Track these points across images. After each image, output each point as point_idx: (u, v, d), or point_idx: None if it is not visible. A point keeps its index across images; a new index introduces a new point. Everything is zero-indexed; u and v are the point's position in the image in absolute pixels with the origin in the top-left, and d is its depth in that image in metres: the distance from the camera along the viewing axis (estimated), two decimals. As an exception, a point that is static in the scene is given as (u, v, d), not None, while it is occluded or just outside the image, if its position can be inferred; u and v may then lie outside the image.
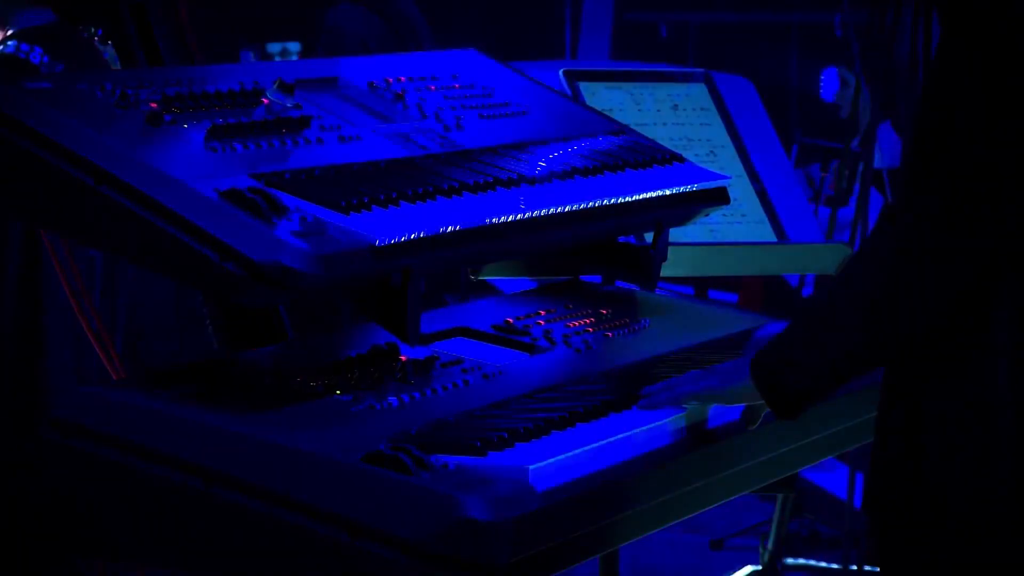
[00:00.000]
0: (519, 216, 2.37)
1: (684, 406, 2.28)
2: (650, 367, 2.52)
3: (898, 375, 2.13)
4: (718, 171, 2.84)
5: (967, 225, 1.99)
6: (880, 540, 2.15)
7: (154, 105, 2.30)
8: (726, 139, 3.51)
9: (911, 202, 2.03)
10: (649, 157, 2.72)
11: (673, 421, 2.27)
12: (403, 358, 2.35)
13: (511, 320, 2.64)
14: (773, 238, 3.39)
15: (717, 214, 3.11)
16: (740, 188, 3.42)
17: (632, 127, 2.90)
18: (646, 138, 2.85)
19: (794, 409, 2.17)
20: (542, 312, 2.70)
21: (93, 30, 3.63)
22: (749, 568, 4.71)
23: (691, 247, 3.28)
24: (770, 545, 4.66)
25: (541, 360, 2.50)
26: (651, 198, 2.63)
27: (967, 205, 1.98)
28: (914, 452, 2.08)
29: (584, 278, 2.90)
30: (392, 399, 2.22)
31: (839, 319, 2.09)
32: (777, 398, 2.17)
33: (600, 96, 3.45)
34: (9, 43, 3.64)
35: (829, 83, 7.30)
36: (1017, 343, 2.03)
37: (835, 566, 4.78)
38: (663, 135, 3.39)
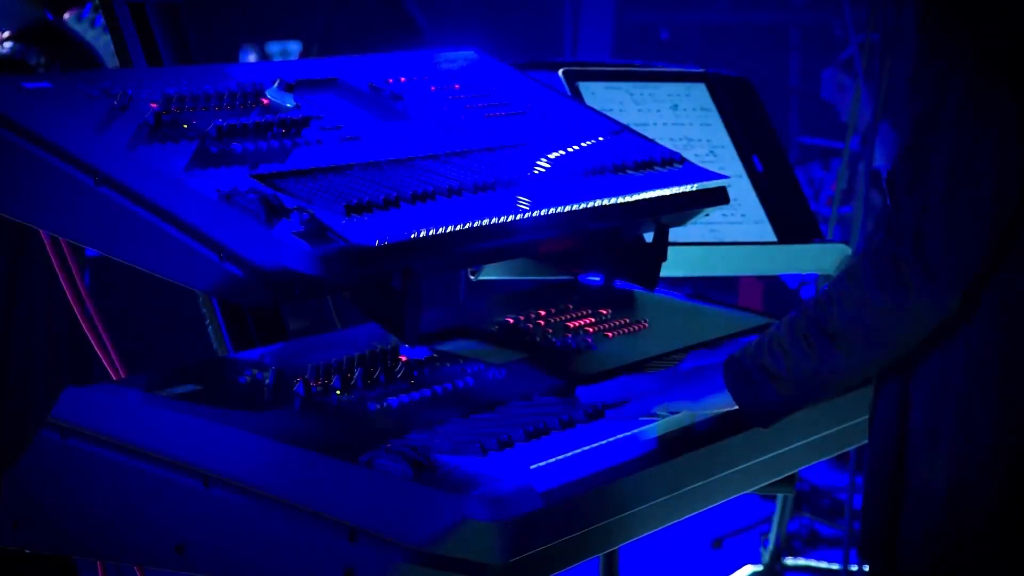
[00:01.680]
0: (519, 216, 2.37)
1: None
2: (650, 367, 2.52)
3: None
4: (718, 171, 2.84)
5: (949, 242, 1.98)
6: (868, 525, 2.15)
7: (154, 105, 2.30)
8: (726, 139, 3.50)
9: (897, 213, 2.03)
10: (649, 157, 2.72)
11: (673, 421, 2.27)
12: (403, 358, 2.35)
13: (511, 320, 2.64)
14: (773, 238, 3.39)
15: (717, 214, 3.11)
16: (740, 188, 3.41)
17: (632, 127, 2.90)
18: (646, 138, 2.85)
19: (772, 420, 2.17)
20: (542, 312, 2.70)
21: (96, 0, 3.62)
22: (749, 568, 4.71)
23: (691, 247, 3.28)
24: (770, 545, 4.66)
25: (540, 360, 2.50)
26: (651, 198, 2.63)
27: (951, 211, 1.98)
28: (901, 436, 2.09)
29: (584, 278, 2.90)
30: (392, 399, 2.22)
31: (823, 338, 2.07)
32: (755, 409, 2.16)
33: (600, 96, 3.45)
34: (5, 44, 3.64)
35: (829, 84, 7.31)
36: (1001, 335, 2.04)
37: (835, 566, 4.78)
38: (663, 135, 3.39)
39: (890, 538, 2.11)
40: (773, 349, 2.12)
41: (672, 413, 2.26)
